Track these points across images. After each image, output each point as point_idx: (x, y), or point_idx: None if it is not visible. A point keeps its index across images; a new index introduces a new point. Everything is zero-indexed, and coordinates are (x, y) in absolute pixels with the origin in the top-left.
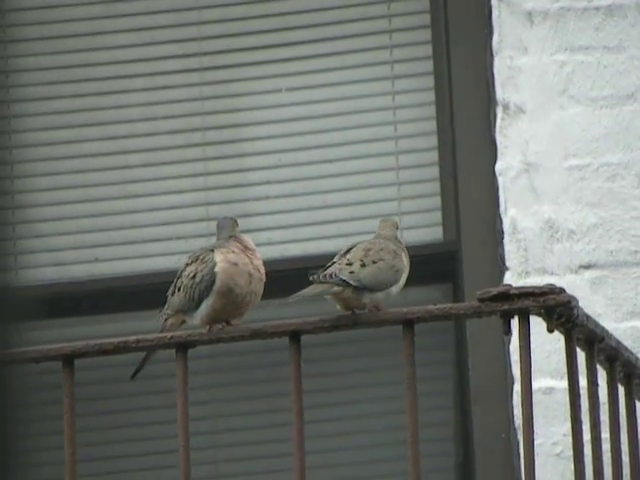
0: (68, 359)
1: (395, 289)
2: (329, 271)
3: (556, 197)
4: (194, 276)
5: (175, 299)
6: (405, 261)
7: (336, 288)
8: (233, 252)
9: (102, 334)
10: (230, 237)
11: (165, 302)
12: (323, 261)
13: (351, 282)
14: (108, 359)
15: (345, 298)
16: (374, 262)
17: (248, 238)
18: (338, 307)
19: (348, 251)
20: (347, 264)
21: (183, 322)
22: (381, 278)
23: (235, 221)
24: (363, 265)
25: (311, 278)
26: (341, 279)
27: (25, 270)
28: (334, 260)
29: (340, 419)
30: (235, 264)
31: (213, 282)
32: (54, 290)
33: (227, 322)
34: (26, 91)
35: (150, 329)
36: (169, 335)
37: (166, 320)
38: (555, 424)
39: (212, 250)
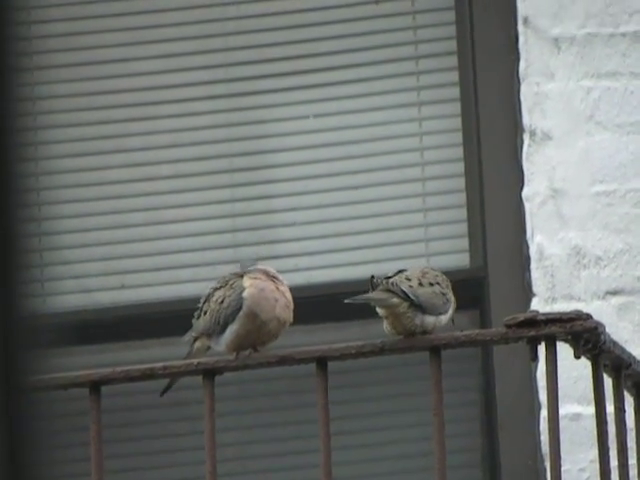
0: (95, 386)
1: (444, 319)
2: (391, 280)
3: (583, 223)
4: (222, 301)
5: (200, 322)
6: (452, 297)
7: (395, 299)
8: (260, 279)
9: (129, 361)
10: (258, 267)
11: (191, 327)
12: (350, 287)
13: (410, 295)
14: (135, 386)
15: (399, 314)
16: (431, 284)
17: (271, 268)
18: (387, 328)
19: (402, 270)
20: (406, 279)
21: (209, 348)
22: (435, 302)
23: (255, 262)
24: (420, 284)
25: (375, 280)
26: (402, 290)
27: (52, 297)
28: (388, 275)
29: (367, 445)
30: (262, 290)
31: (240, 308)
32: (81, 317)
33: (254, 349)
34: (53, 118)
35: (177, 356)
36: (196, 362)
37: (193, 343)
38: (582, 450)
39: (241, 276)
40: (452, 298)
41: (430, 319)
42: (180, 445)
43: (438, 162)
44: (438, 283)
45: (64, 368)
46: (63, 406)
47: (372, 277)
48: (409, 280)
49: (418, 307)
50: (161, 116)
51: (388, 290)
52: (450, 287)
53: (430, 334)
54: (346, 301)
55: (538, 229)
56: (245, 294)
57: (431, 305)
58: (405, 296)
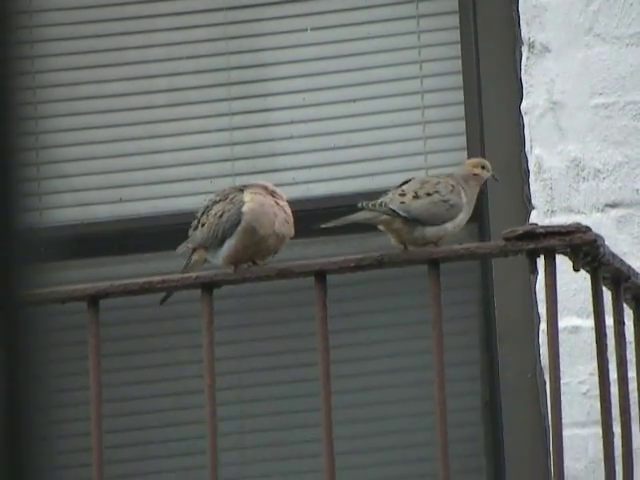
0: (93, 299)
1: (450, 226)
2: (380, 200)
3: (582, 136)
4: (221, 215)
5: (198, 234)
6: (465, 199)
7: (384, 217)
8: (260, 193)
9: (127, 274)
10: (258, 182)
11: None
12: (347, 200)
13: (400, 212)
14: (133, 299)
15: (395, 229)
16: (428, 194)
17: (270, 183)
18: (393, 241)
19: (404, 183)
20: (400, 194)
21: (206, 260)
22: (434, 211)
23: None
24: (416, 197)
25: (360, 205)
26: (390, 208)
27: (50, 210)
28: (388, 190)
29: (365, 359)
30: (262, 205)
31: (239, 222)
32: (79, 230)
33: (253, 262)
34: (49, 31)
35: (175, 269)
36: (194, 275)
37: (191, 255)
38: (581, 363)
39: (241, 190)
40: (463, 199)
41: (431, 230)
42: (178, 358)
43: (436, 75)
44: (437, 191)
45: (62, 282)
46: (61, 320)
47: (358, 203)
48: (403, 195)
49: (414, 220)
50: (158, 29)
51: (373, 211)
52: (458, 190)
53: (437, 244)
54: (323, 226)
55: (537, 142)
56: (244, 209)
57: (430, 216)
58: (394, 213)
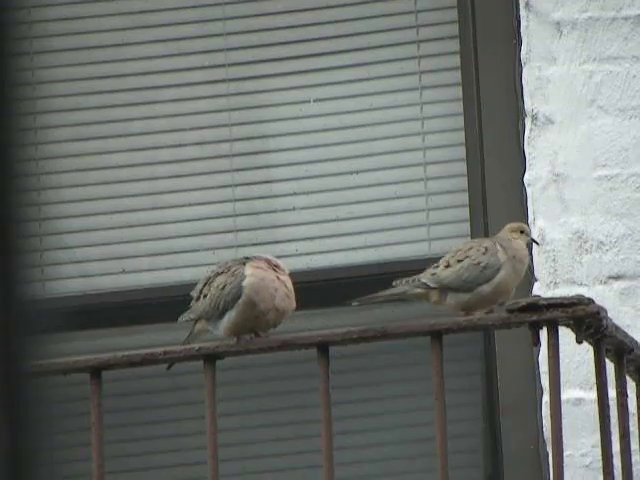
0: (95, 371)
1: (488, 287)
2: (412, 278)
3: (585, 208)
4: (223, 287)
5: (200, 305)
6: (503, 258)
7: (418, 290)
8: (261, 268)
9: (130, 346)
10: (260, 255)
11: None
12: (350, 272)
13: (429, 284)
14: (136, 371)
15: (433, 302)
16: (459, 261)
17: (275, 258)
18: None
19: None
20: (434, 267)
21: (208, 331)
22: (465, 277)
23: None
24: (447, 266)
25: (394, 283)
26: (422, 282)
27: (52, 282)
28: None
29: (368, 430)
30: (262, 279)
31: (239, 295)
32: (81, 302)
33: (256, 334)
34: (53, 102)
35: (178, 341)
36: (197, 346)
37: (194, 325)
38: (584, 435)
39: (243, 263)
40: (499, 259)
41: (464, 296)
42: (181, 430)
43: (439, 147)
44: (468, 256)
45: (64, 353)
46: (63, 391)
47: (393, 282)
48: (436, 267)
49: (447, 289)
50: (161, 100)
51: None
52: (494, 251)
53: (470, 313)
54: (354, 303)
55: (540, 214)
56: (245, 282)
57: (462, 282)
58: (425, 285)
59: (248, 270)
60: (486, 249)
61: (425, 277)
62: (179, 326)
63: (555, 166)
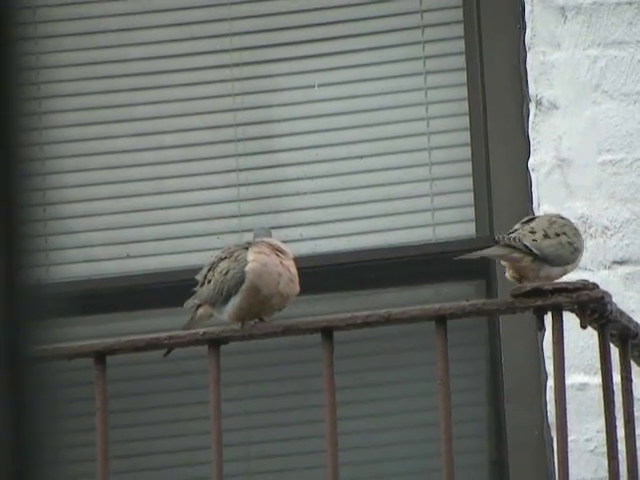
0: (100, 356)
1: (571, 268)
2: (513, 235)
3: (589, 193)
4: (226, 273)
5: (204, 291)
6: (583, 243)
7: (516, 254)
8: (264, 253)
9: (134, 331)
10: (263, 239)
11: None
12: (355, 257)
13: (533, 250)
14: (140, 356)
15: (522, 267)
16: (557, 235)
17: (279, 242)
18: (508, 275)
19: (530, 220)
20: (530, 232)
21: (212, 315)
22: (561, 252)
23: (269, 232)
24: (546, 236)
25: (497, 238)
26: (524, 245)
27: (56, 267)
28: (515, 227)
29: (373, 415)
30: (265, 265)
31: (243, 281)
32: (85, 287)
33: (260, 319)
34: (57, 87)
35: (182, 325)
36: (202, 331)
37: (196, 310)
38: (589, 420)
39: (246, 248)
40: (581, 246)
41: (557, 270)
42: (185, 415)
43: (444, 131)
44: (564, 233)
45: (69, 338)
46: (68, 376)
47: (495, 236)
48: (533, 233)
49: (543, 260)
50: (167, 85)
51: (508, 245)
52: (579, 235)
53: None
54: (456, 258)
55: (544, 199)
56: (247, 268)
57: (557, 257)
58: (528, 250)
59: (251, 255)
60: (576, 230)
61: (527, 241)
62: (184, 311)
63: (559, 151)
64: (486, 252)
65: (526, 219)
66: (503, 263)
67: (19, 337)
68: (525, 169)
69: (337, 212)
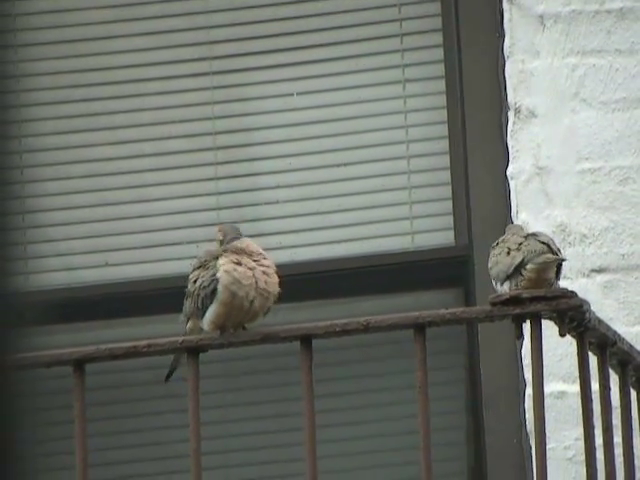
0: (79, 364)
1: None
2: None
3: (568, 201)
4: (198, 282)
5: (186, 304)
6: None
7: (552, 259)
8: (235, 258)
9: (113, 339)
10: (233, 243)
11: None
12: (334, 265)
13: (563, 257)
14: (119, 364)
15: (550, 277)
16: (559, 250)
17: (252, 242)
18: (527, 284)
19: (528, 236)
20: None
21: (201, 328)
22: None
23: (238, 230)
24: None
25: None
26: (558, 249)
27: (36, 275)
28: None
29: (352, 423)
30: (235, 269)
31: (216, 289)
32: (65, 294)
33: (243, 327)
34: (37, 95)
35: (162, 333)
36: (180, 339)
37: (186, 324)
38: (567, 428)
39: (216, 257)
40: None
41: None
42: (164, 423)
43: (423, 139)
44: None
45: (48, 346)
46: (47, 384)
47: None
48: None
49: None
50: (146, 93)
51: (552, 252)
52: None
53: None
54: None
55: (523, 207)
56: (219, 274)
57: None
58: (562, 258)
59: (220, 261)
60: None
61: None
62: (162, 319)
63: (538, 159)
64: (546, 257)
65: (523, 233)
66: (531, 275)
67: None
68: (504, 177)
69: (315, 220)
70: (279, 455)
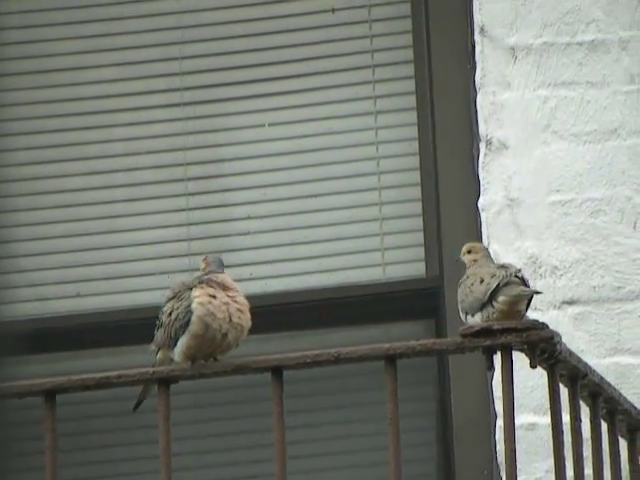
0: (50, 394)
1: None
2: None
3: (539, 233)
4: (170, 313)
5: (158, 335)
6: None
7: (528, 291)
8: (210, 292)
9: (84, 369)
10: (209, 276)
11: (153, 336)
12: (306, 296)
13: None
14: (90, 394)
15: (521, 303)
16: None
17: (228, 277)
18: (500, 316)
19: (502, 266)
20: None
21: (171, 359)
22: None
23: (221, 262)
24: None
25: (515, 275)
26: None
27: (7, 305)
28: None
29: (322, 455)
30: (210, 302)
31: (189, 321)
32: (36, 325)
33: (214, 358)
34: (9, 126)
35: (133, 364)
36: (151, 370)
37: (156, 355)
38: (538, 460)
39: (190, 288)
40: None
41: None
42: (135, 454)
43: (394, 171)
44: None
45: (19, 376)
46: (18, 415)
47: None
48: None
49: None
50: (118, 124)
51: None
52: None
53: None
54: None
55: (494, 238)
56: (193, 306)
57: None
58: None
59: (195, 293)
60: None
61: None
62: (134, 350)
63: (509, 191)
64: (521, 290)
65: (497, 265)
66: (504, 307)
67: None
68: (475, 209)
69: (287, 251)
70: None
